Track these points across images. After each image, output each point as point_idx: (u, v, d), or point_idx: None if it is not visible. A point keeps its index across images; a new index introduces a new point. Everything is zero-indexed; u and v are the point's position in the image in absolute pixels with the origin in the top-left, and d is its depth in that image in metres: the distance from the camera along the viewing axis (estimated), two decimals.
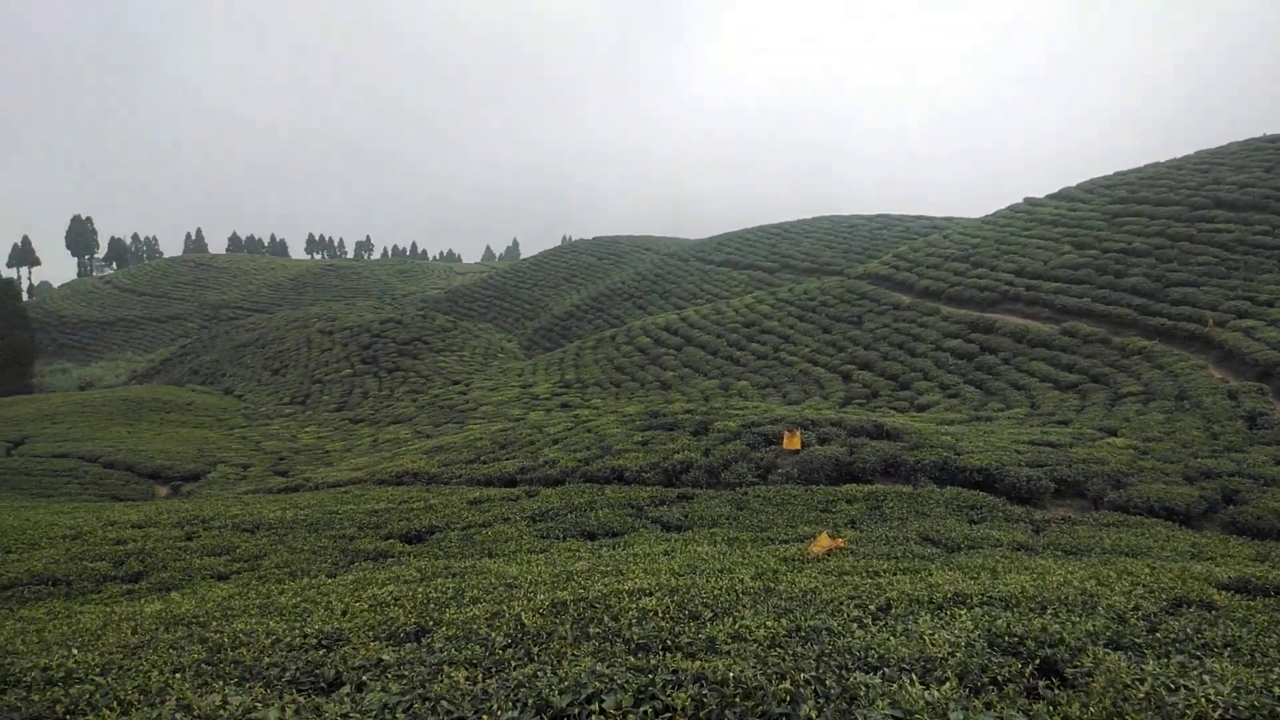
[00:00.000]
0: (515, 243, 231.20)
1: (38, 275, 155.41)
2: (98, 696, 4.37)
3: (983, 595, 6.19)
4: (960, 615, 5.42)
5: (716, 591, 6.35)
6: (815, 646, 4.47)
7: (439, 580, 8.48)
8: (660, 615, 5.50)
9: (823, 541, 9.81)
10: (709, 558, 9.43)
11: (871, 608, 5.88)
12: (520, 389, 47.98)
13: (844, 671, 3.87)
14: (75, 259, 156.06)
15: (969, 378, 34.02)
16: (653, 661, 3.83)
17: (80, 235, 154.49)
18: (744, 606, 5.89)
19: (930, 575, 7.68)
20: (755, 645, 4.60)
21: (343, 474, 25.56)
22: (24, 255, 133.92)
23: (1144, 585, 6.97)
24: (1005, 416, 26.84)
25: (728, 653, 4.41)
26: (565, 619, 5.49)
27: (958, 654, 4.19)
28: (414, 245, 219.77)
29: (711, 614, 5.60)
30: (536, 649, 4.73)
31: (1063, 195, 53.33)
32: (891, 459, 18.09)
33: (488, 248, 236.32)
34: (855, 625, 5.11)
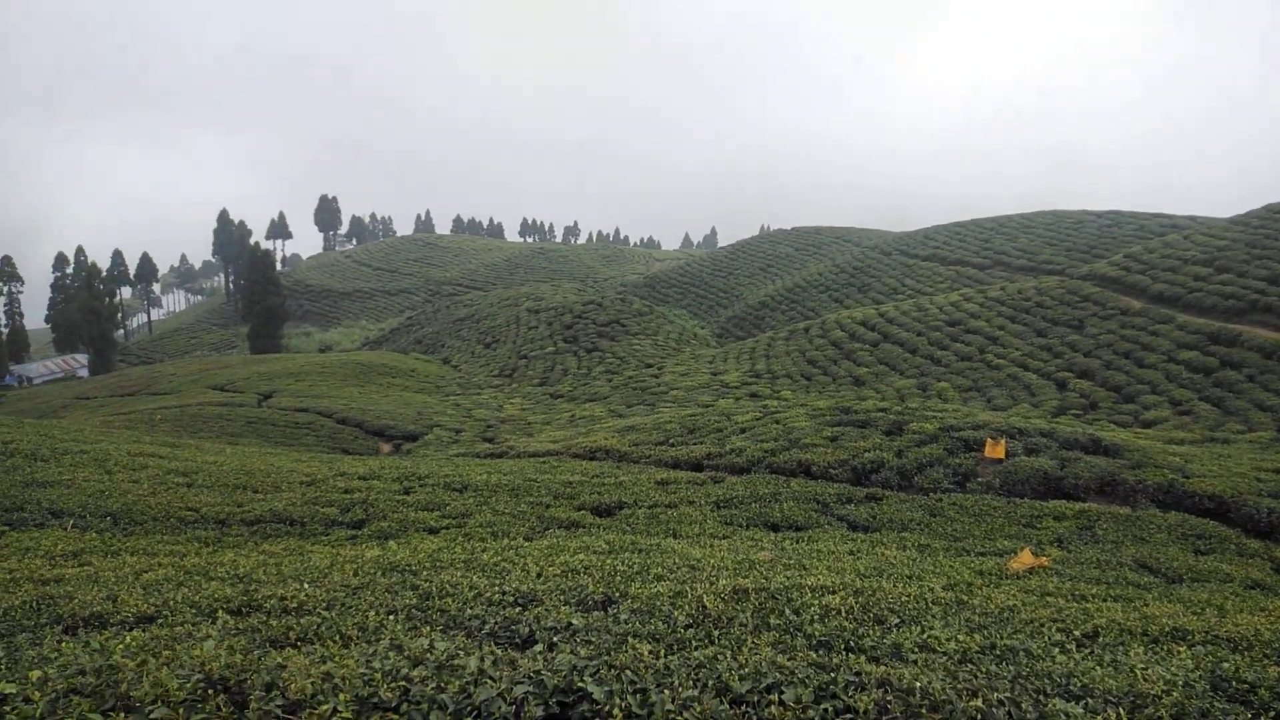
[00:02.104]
0: (713, 231, 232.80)
1: (290, 248, 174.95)
2: (324, 629, 4.90)
3: (1207, 633, 5.59)
4: (1179, 652, 4.93)
5: (904, 598, 6.15)
6: (1011, 667, 4.23)
7: (626, 554, 8.77)
8: (843, 615, 5.40)
9: (1024, 558, 9.22)
10: (897, 562, 9.12)
11: (1076, 633, 5.48)
12: (710, 376, 48.32)
13: (1041, 697, 3.64)
14: (321, 234, 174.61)
15: (1205, 394, 30.53)
16: (835, 660, 3.78)
17: (326, 213, 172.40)
18: (933, 616, 5.67)
19: (1146, 605, 7.03)
20: (944, 658, 4.42)
21: (542, 445, 26.91)
22: (280, 229, 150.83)
23: None
24: (1246, 440, 23.89)
25: (914, 662, 4.27)
26: (746, 606, 5.52)
27: (1174, 693, 3.82)
28: (617, 231, 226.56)
29: (898, 620, 5.44)
30: (717, 632, 4.80)
31: None
32: (1108, 477, 16.59)
33: (686, 235, 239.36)
34: (1057, 650, 4.78)
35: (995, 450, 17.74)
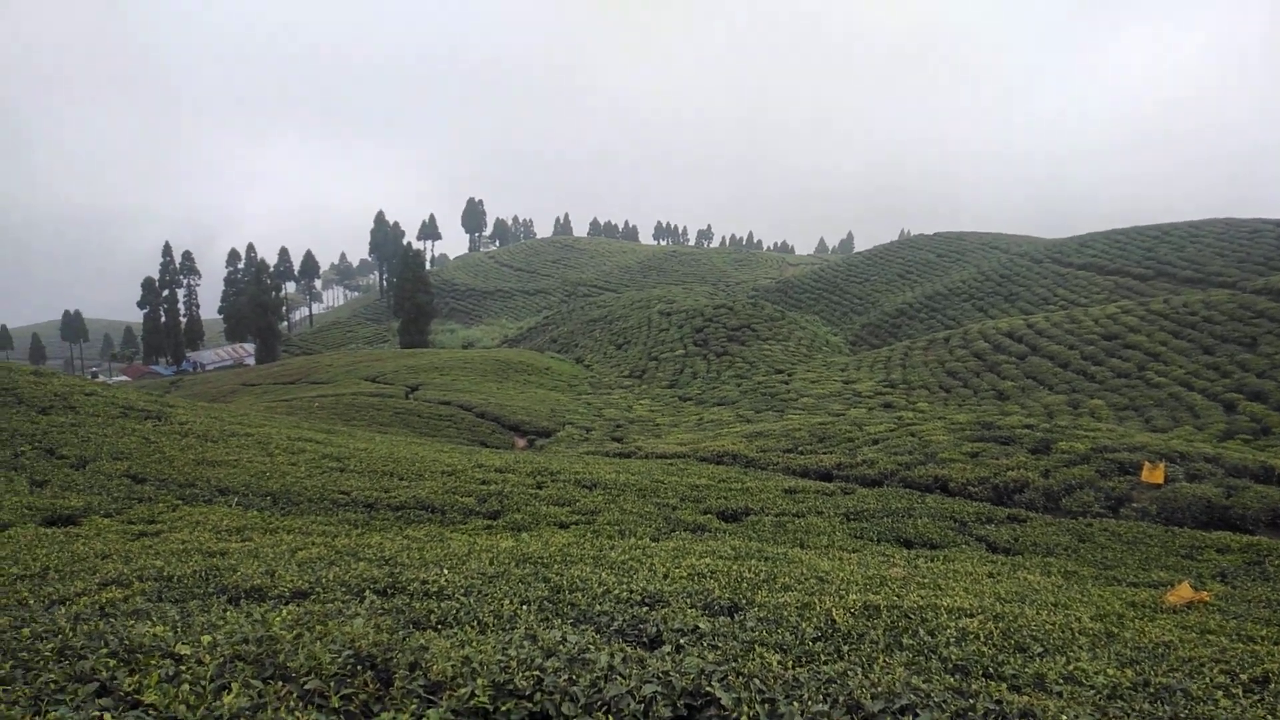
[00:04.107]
0: (850, 236, 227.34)
1: (438, 248, 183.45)
2: (462, 614, 5.12)
3: None
4: None
5: (1048, 626, 5.82)
6: (1167, 707, 3.94)
7: (752, 561, 8.70)
8: (982, 639, 5.18)
9: (1183, 592, 8.52)
10: (1041, 588, 8.64)
11: (1243, 677, 5.02)
12: (842, 384, 47.24)
13: None
14: (467, 235, 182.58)
15: None
16: (973, 686, 3.63)
17: (473, 215, 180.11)
18: (1080, 648, 5.34)
19: None
20: (1092, 691, 4.16)
21: (669, 446, 27.07)
22: (430, 230, 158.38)
23: None
24: None
25: (1059, 694, 4.05)
26: (877, 624, 5.37)
27: None
28: (750, 235, 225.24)
29: (1041, 649, 5.16)
30: (846, 648, 4.70)
31: None
32: None
33: (821, 240, 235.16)
34: (1220, 693, 4.40)
35: (1153, 474, 16.50)
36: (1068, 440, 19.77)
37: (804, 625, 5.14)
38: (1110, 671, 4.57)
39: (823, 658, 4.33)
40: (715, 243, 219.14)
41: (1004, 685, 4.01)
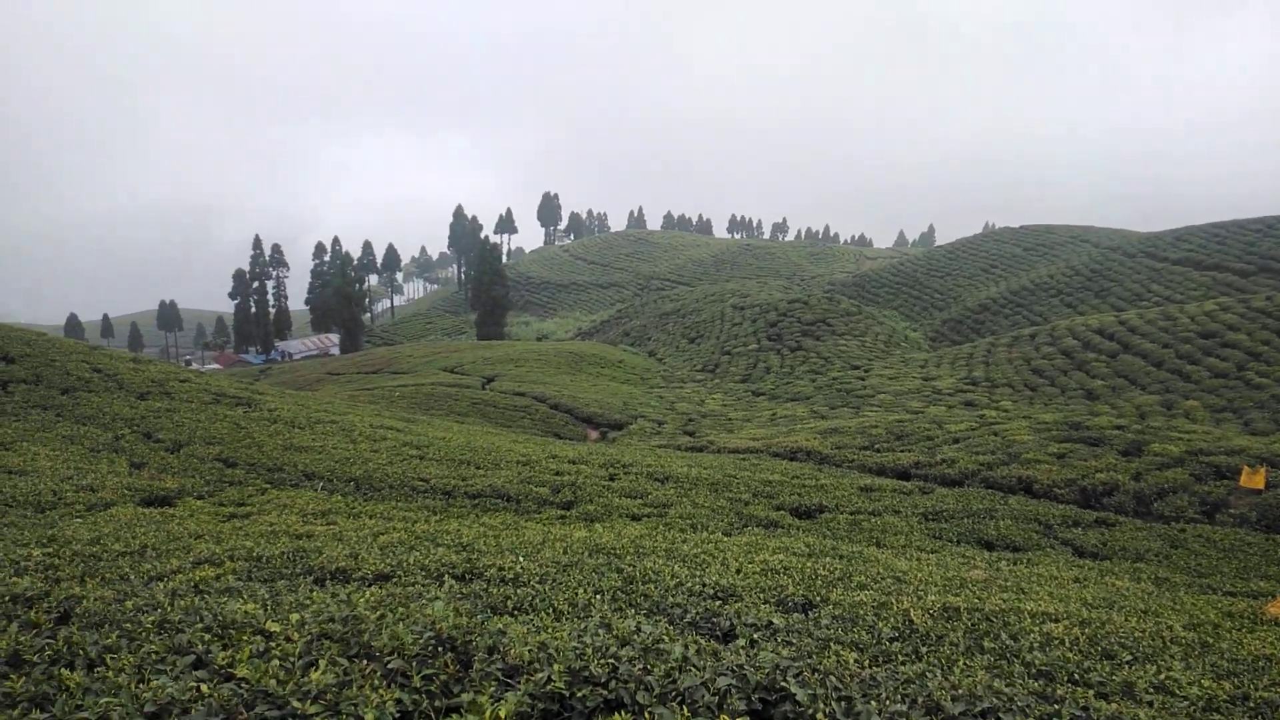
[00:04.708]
0: (930, 228, 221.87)
1: (514, 242, 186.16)
2: (538, 601, 5.20)
3: None
4: None
5: (1138, 633, 5.60)
6: None
7: (826, 559, 8.61)
8: (1067, 645, 5.01)
9: None
10: (1130, 594, 8.31)
11: None
12: (921, 381, 46.17)
13: None
14: (543, 229, 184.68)
15: None
16: (1059, 692, 3.52)
17: (548, 209, 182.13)
18: (1172, 656, 5.13)
19: None
20: (1185, 703, 3.99)
21: (742, 442, 26.93)
22: (506, 224, 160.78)
23: None
24: None
25: (1149, 703, 3.90)
26: (957, 626, 5.26)
27: None
28: (826, 228, 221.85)
29: (1130, 657, 4.97)
30: (925, 649, 4.61)
31: None
32: None
33: (900, 233, 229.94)
34: None
35: (1253, 480, 15.66)
36: (1161, 442, 18.93)
37: (880, 625, 5.06)
38: (1205, 683, 4.37)
39: (900, 658, 4.26)
40: (790, 236, 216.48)
41: (1090, 692, 3.87)
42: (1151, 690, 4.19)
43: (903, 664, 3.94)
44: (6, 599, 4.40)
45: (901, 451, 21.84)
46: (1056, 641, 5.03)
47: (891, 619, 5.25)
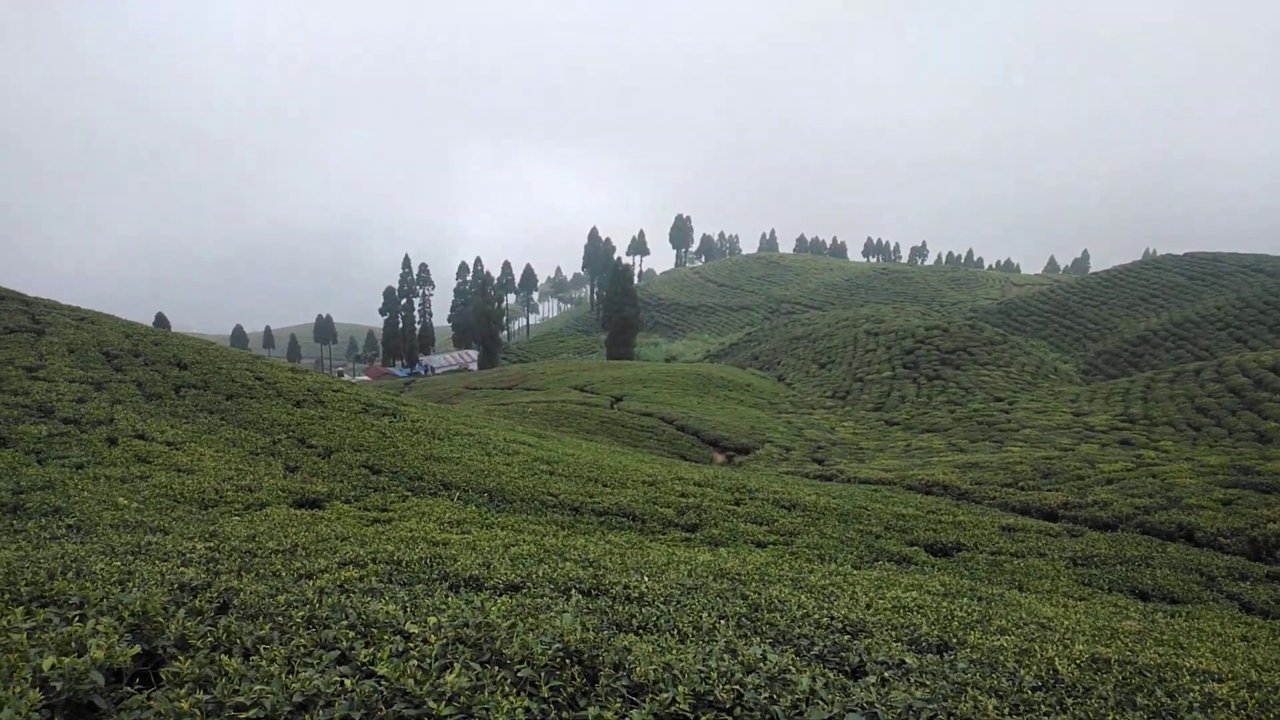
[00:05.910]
0: (1084, 254, 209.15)
1: (646, 264, 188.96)
2: (662, 621, 5.19)
3: None
4: None
5: None
6: None
7: (963, 600, 8.20)
8: (1233, 708, 4.56)
9: None
10: None
11: None
12: (1072, 416, 43.43)
13: None
14: (674, 251, 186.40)
15: None
16: None
17: (680, 231, 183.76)
18: None
19: None
20: None
21: (873, 472, 26.12)
22: (639, 246, 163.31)
23: None
24: None
25: None
26: (1107, 679, 4.88)
27: None
28: (969, 252, 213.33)
29: None
30: (1070, 701, 4.31)
31: None
32: None
33: (1051, 258, 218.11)
34: None
35: None
36: None
37: (1022, 672, 4.77)
38: None
39: (1043, 708, 4.00)
40: (930, 260, 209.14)
41: None
42: None
43: (1045, 715, 3.70)
44: (175, 587, 4.80)
45: (1048, 490, 20.60)
46: (1220, 704, 4.59)
47: (1035, 667, 4.94)
